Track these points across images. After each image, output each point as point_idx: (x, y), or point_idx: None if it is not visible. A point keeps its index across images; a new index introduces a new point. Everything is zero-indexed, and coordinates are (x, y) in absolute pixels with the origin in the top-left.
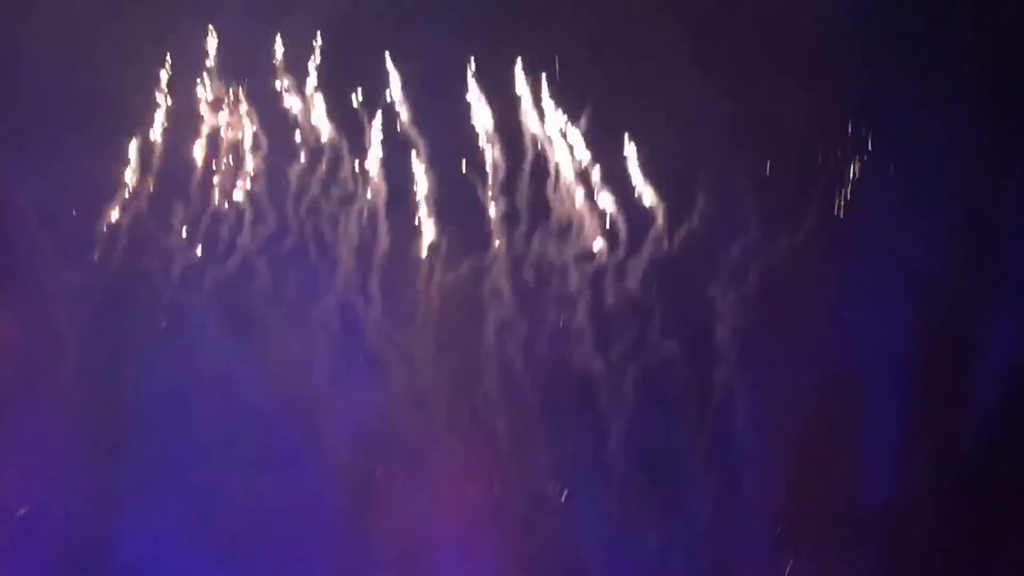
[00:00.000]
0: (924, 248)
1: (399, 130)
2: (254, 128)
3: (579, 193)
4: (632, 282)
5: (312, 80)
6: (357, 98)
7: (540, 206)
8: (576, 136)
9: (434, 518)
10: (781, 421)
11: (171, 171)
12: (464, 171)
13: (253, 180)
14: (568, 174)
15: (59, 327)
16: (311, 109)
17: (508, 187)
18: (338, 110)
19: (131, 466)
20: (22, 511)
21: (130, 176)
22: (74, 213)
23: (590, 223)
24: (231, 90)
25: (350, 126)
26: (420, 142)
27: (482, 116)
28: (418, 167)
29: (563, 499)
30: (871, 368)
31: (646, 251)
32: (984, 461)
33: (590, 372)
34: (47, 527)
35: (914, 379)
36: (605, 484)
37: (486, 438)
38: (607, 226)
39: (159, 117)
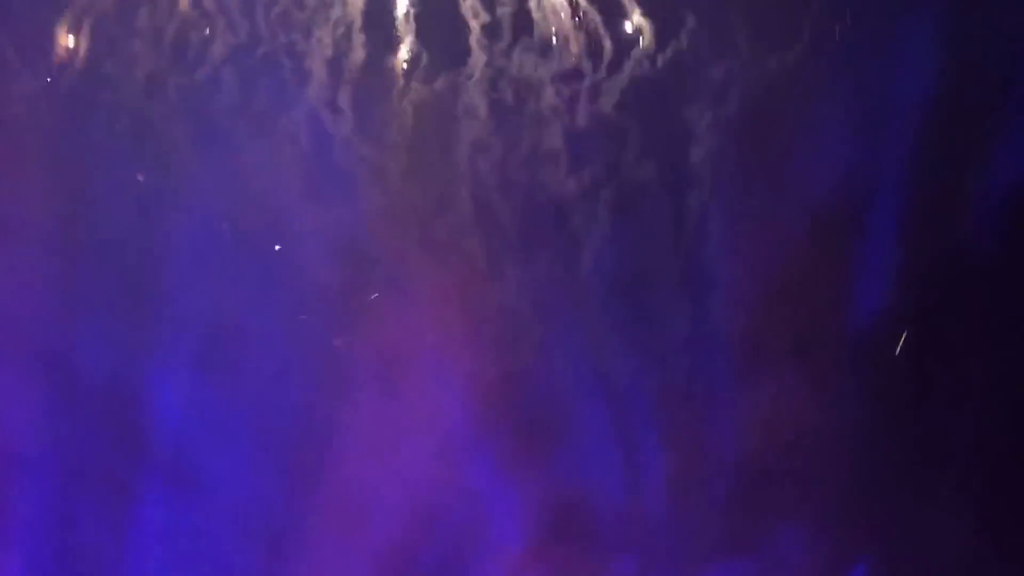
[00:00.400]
0: (923, 71)
1: None
2: None
3: (564, 10)
4: (611, 103)
5: None
6: None
7: (523, 21)
8: None
9: (408, 337)
10: (760, 248)
11: None
12: None
13: None
14: None
15: (19, 133)
16: None
17: (491, 1)
18: None
19: (94, 284)
20: None
21: None
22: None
23: (573, 41)
24: None
25: None
26: None
27: None
28: None
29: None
30: (859, 197)
31: (628, 71)
32: (973, 290)
33: (565, 195)
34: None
35: (904, 209)
36: (578, 307)
37: (460, 258)
38: (591, 45)
39: None
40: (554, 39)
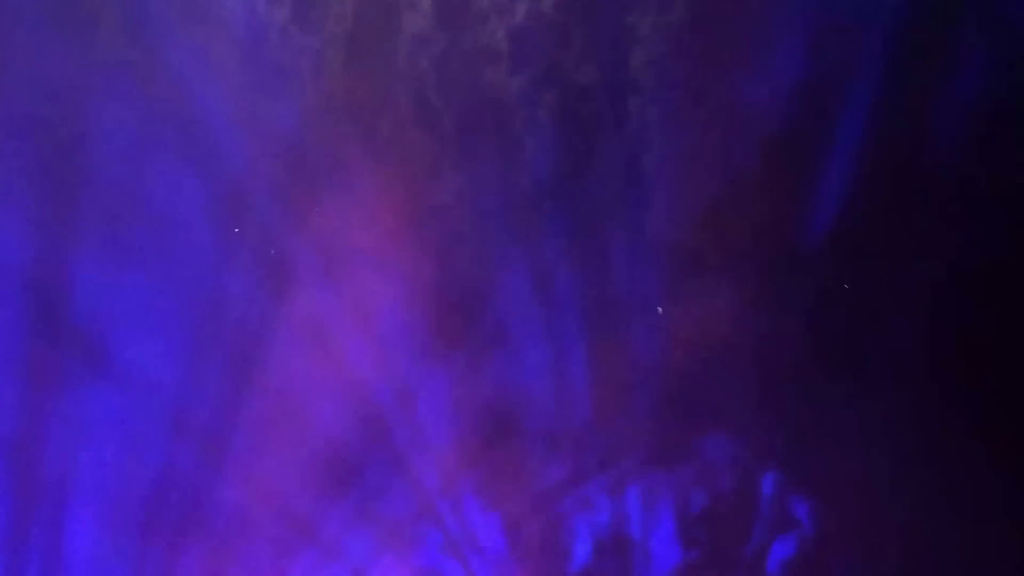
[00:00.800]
0: None
1: None
2: None
3: None
4: (552, 2)
5: None
6: None
7: None
8: None
9: (345, 233)
10: (703, 160)
11: None
12: None
13: None
14: None
15: None
16: None
17: None
18: None
19: (14, 169)
20: None
21: None
22: None
23: None
24: None
25: None
26: None
27: None
28: None
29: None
30: (811, 112)
31: None
32: (925, 212)
33: (505, 95)
34: None
35: (857, 126)
36: (515, 210)
37: (399, 155)
38: None
39: None
40: None
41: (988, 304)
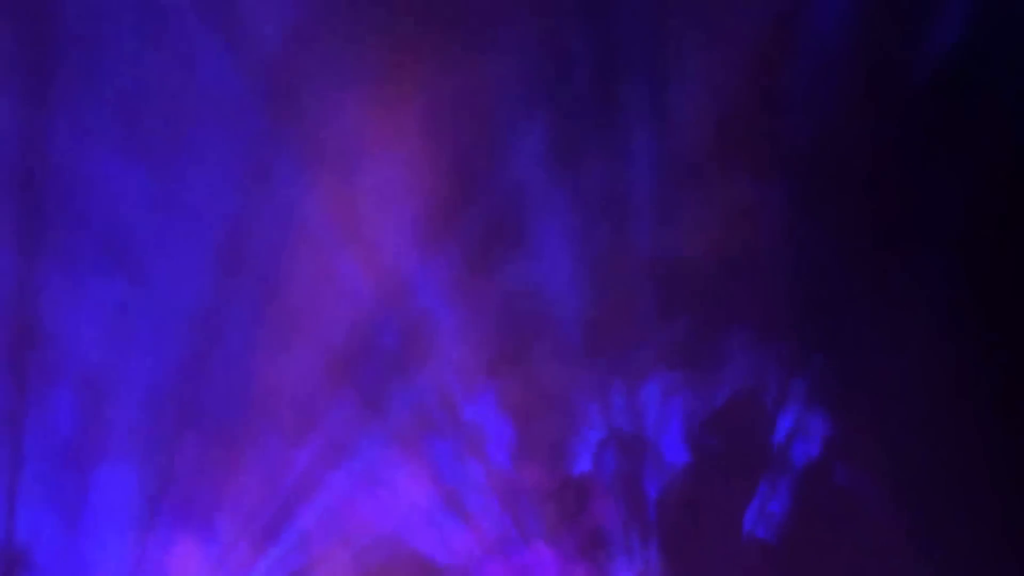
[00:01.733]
0: None
1: None
2: None
3: None
4: None
5: None
6: None
7: None
8: None
9: (362, 126)
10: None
11: None
12: None
13: None
14: None
15: None
16: None
17: None
18: None
19: None
20: None
21: None
22: None
23: None
24: None
25: None
26: None
27: None
28: None
29: None
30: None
31: None
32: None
33: None
34: None
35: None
36: (539, 106)
37: (420, 45)
38: None
39: None
40: None
41: (1019, 208)
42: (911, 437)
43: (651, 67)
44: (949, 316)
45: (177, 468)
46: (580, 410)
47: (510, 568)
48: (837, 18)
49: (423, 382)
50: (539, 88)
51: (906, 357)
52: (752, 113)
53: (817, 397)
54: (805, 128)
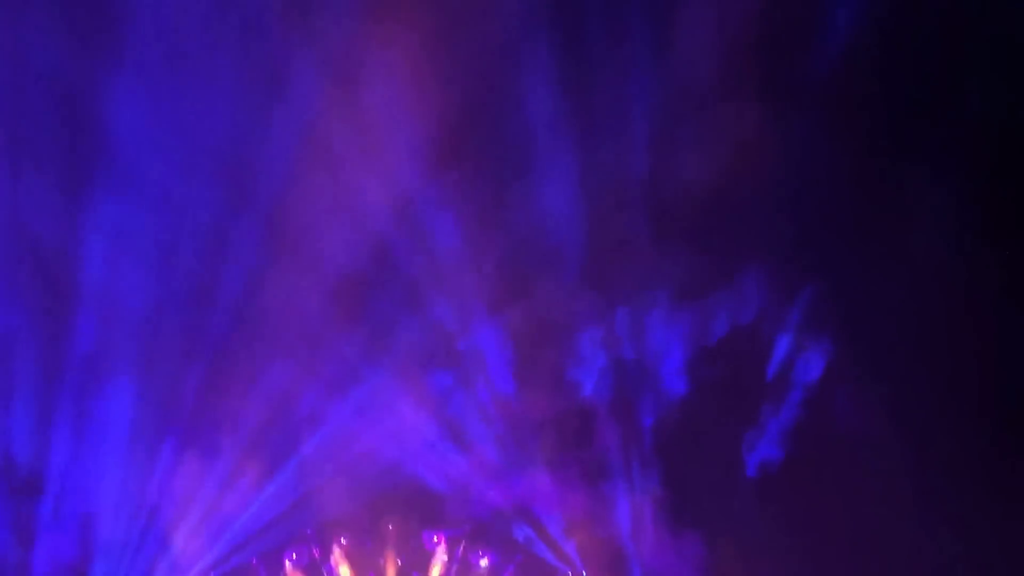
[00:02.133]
0: None
1: None
2: None
3: None
4: None
5: None
6: None
7: None
8: None
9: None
10: None
11: None
12: None
13: None
14: None
15: None
16: None
17: None
18: None
19: None
20: None
21: None
22: None
23: None
24: None
25: None
26: None
27: None
28: None
29: None
30: None
31: None
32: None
33: None
34: None
35: None
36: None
37: None
38: None
39: None
40: None
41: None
42: (911, 363)
43: None
44: (951, 241)
45: (184, 391)
46: (582, 338)
47: (511, 495)
48: None
49: (428, 310)
50: (546, 11)
51: (905, 283)
52: (760, 40)
53: (817, 324)
54: (811, 55)
